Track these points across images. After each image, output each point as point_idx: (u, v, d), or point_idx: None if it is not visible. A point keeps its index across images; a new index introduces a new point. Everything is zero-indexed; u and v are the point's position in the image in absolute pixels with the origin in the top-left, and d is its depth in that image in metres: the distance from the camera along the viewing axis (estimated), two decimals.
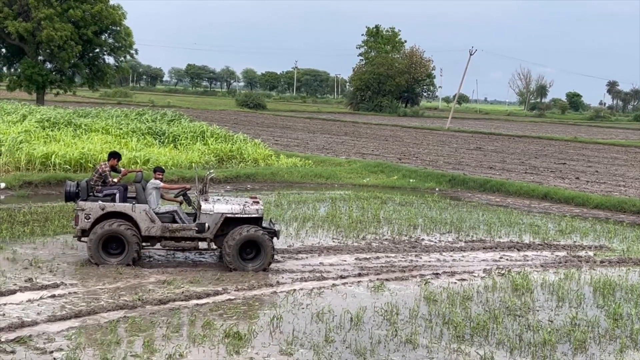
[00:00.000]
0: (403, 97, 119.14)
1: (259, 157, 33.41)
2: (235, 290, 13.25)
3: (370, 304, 12.72)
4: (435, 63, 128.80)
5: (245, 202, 15.39)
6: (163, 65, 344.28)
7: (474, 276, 15.22)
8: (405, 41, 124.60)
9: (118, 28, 55.67)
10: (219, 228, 14.93)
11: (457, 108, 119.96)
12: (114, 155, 16.09)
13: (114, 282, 13.40)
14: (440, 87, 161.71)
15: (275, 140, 46.42)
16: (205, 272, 14.51)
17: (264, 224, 15.35)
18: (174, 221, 15.07)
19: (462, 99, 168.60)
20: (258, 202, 15.43)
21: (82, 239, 14.93)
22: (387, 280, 14.52)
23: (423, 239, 18.71)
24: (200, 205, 15.06)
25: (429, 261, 16.43)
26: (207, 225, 14.85)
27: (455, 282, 14.61)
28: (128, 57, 59.89)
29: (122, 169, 16.37)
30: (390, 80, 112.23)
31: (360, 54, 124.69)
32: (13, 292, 12.48)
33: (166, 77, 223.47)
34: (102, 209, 14.71)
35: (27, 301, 12.04)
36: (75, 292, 12.68)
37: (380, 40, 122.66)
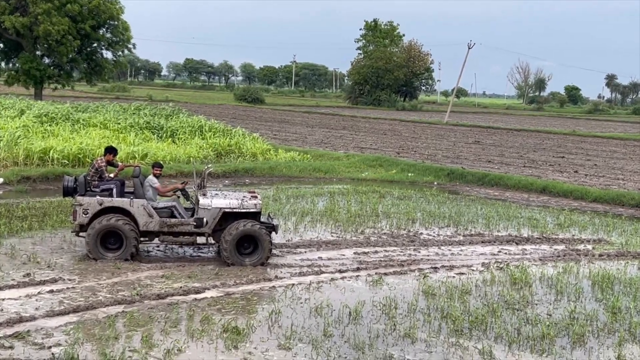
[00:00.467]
0: (401, 91, 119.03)
1: (257, 151, 33.41)
2: (233, 285, 13.25)
3: (368, 298, 12.72)
4: (433, 57, 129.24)
5: (244, 196, 15.37)
6: (161, 59, 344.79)
7: (473, 270, 15.21)
8: (404, 35, 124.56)
9: (116, 22, 55.45)
10: (217, 223, 14.91)
11: (456, 102, 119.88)
12: (110, 150, 16.04)
13: (112, 277, 13.39)
14: (438, 80, 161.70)
15: (273, 134, 46.40)
16: (204, 266, 14.51)
17: (263, 219, 15.34)
18: (172, 216, 15.05)
19: (460, 92, 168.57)
20: (256, 197, 15.42)
21: (80, 234, 14.92)
22: (385, 274, 14.51)
23: (421, 233, 18.70)
24: (199, 200, 15.04)
25: (428, 255, 16.42)
26: (205, 220, 14.83)
27: (454, 276, 14.61)
28: (126, 51, 59.69)
29: (120, 164, 16.35)
30: (389, 74, 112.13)
31: (358, 48, 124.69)
32: (11, 287, 12.47)
33: (164, 72, 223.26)
34: (100, 204, 14.69)
35: (25, 296, 12.03)
36: (73, 287, 12.66)
37: (378, 34, 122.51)
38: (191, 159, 28.93)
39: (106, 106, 39.55)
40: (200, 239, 15.26)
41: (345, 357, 10.05)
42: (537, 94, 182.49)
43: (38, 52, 54.93)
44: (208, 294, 12.67)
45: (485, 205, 23.89)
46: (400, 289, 13.54)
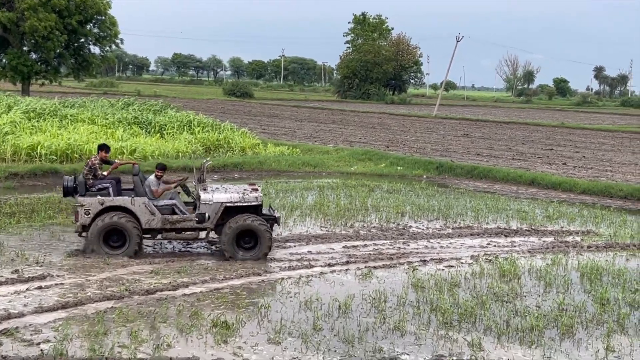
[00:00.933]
0: (390, 85, 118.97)
1: (246, 146, 33.37)
2: (223, 280, 13.23)
3: (358, 292, 12.73)
4: (422, 50, 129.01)
5: (244, 189, 15.39)
6: (149, 54, 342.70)
7: (462, 263, 15.24)
8: (392, 29, 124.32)
9: (103, 17, 55.22)
10: (219, 217, 14.91)
11: (445, 95, 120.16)
12: (102, 148, 15.99)
13: (100, 273, 13.36)
14: (427, 74, 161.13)
15: (262, 129, 46.34)
16: (193, 261, 14.49)
17: (264, 211, 15.35)
18: (174, 213, 15.05)
19: (449, 85, 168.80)
20: (257, 190, 15.46)
21: (83, 234, 14.91)
22: (375, 267, 14.52)
23: (411, 226, 18.73)
24: (200, 196, 15.04)
25: (417, 248, 16.44)
26: (207, 215, 14.83)
27: (443, 269, 14.63)
28: (113, 46, 59.45)
29: (116, 161, 16.32)
30: (378, 67, 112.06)
31: (347, 42, 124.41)
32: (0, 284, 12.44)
33: (152, 67, 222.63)
34: (102, 204, 14.67)
35: (13, 293, 11.99)
36: (62, 284, 12.62)
37: (367, 28, 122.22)
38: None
39: (94, 101, 39.39)
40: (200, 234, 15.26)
41: (335, 351, 10.06)
42: (525, 86, 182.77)
43: (25, 48, 54.66)
44: (197, 289, 12.65)
45: (474, 198, 23.94)
46: (389, 282, 13.55)
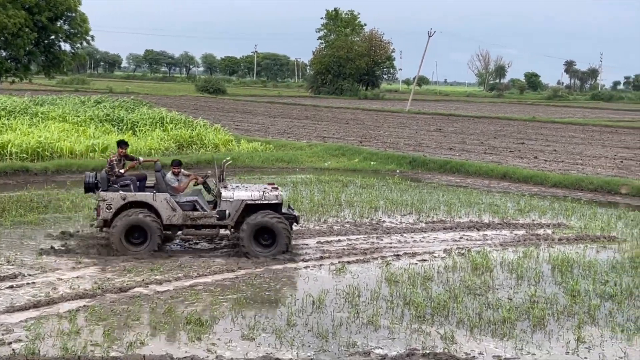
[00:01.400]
0: (363, 80, 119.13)
1: (219, 142, 33.26)
2: (197, 277, 13.20)
3: (332, 287, 12.77)
4: (394, 45, 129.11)
5: (265, 188, 15.44)
6: (121, 51, 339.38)
7: (435, 256, 15.33)
8: (365, 24, 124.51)
9: (73, 14, 54.71)
10: (239, 215, 14.94)
11: (417, 90, 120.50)
12: (120, 144, 16.04)
13: (72, 272, 13.27)
14: (400, 69, 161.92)
15: (235, 125, 46.22)
16: (166, 259, 14.43)
17: (283, 210, 15.42)
18: (195, 209, 15.04)
19: (422, 81, 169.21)
20: (277, 188, 15.52)
21: (104, 229, 14.86)
22: (348, 262, 14.57)
23: (384, 221, 18.79)
24: (220, 193, 15.07)
25: (390, 243, 16.51)
26: (227, 212, 14.88)
27: (416, 263, 14.71)
28: (84, 43, 58.96)
29: (140, 158, 16.36)
30: (351, 63, 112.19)
31: (320, 38, 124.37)
32: None
33: (124, 64, 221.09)
34: (124, 199, 14.66)
35: None
36: (33, 283, 12.52)
37: (339, 23, 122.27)
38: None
39: (65, 99, 39.06)
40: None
41: (309, 346, 10.08)
42: (497, 81, 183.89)
43: None
44: (171, 286, 12.61)
45: (446, 192, 24.07)
46: (363, 276, 13.60)
